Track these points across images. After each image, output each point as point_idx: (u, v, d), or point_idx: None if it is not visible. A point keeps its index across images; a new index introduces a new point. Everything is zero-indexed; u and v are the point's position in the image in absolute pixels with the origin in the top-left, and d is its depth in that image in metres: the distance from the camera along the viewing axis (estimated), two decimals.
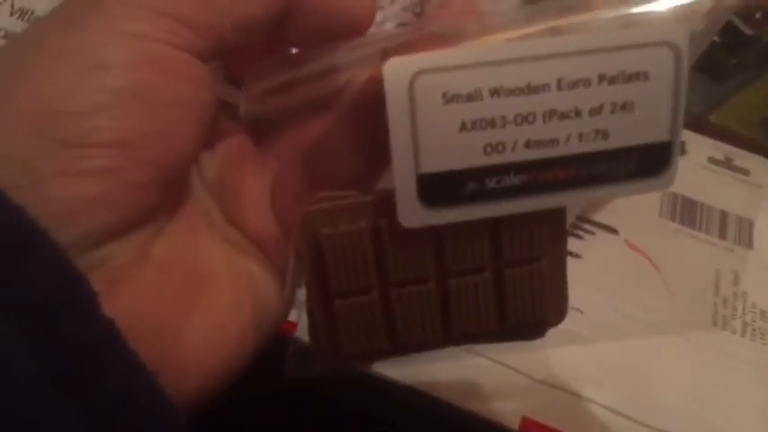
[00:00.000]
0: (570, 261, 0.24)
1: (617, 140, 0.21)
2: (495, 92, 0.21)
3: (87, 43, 0.19)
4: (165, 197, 0.21)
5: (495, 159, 0.21)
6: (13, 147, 0.18)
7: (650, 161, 0.22)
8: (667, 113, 0.21)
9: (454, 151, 0.21)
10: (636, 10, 0.23)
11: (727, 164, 0.44)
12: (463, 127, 0.21)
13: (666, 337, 0.38)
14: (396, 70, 0.20)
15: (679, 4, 0.23)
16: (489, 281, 0.23)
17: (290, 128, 0.25)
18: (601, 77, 0.21)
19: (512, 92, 0.21)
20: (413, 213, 0.21)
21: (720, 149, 0.45)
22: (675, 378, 0.37)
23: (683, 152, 0.41)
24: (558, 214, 0.23)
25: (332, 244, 0.22)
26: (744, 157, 0.45)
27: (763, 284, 0.40)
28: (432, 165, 0.21)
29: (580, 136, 0.21)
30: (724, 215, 0.43)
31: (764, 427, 0.36)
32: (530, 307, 0.24)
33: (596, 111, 0.21)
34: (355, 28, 0.23)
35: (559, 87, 0.21)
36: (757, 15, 0.49)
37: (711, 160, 0.45)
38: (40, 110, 0.19)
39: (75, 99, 0.19)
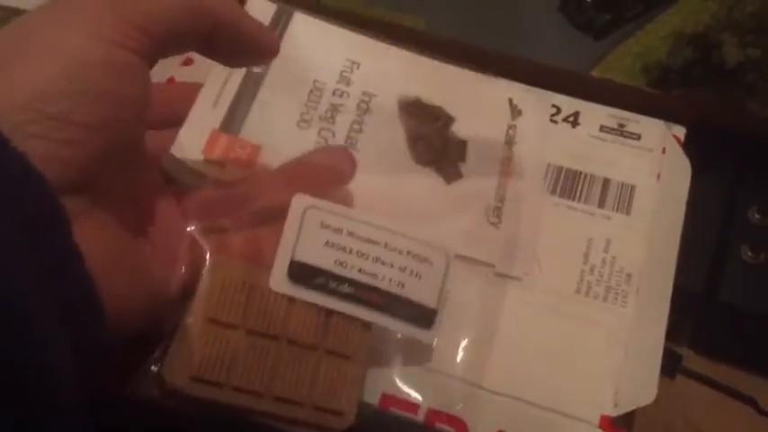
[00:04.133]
0: None
1: (408, 293, 0.35)
2: (350, 233, 0.35)
3: (71, 43, 0.26)
4: (103, 173, 0.28)
5: (340, 271, 0.35)
6: (7, 112, 0.24)
7: (423, 317, 0.35)
8: (437, 291, 0.36)
9: (317, 255, 0.35)
10: None
11: (620, 131, 0.44)
12: (326, 243, 0.35)
13: (530, 308, 0.39)
14: (299, 202, 0.35)
15: None
16: (312, 359, 0.34)
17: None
18: (408, 252, 0.36)
19: (359, 238, 0.35)
20: (280, 282, 0.34)
21: (614, 117, 0.45)
22: (533, 348, 0.38)
23: (575, 124, 0.44)
24: (367, 331, 0.35)
25: (223, 283, 0.33)
26: (637, 121, 0.45)
27: (633, 249, 0.41)
28: (301, 257, 0.34)
29: (390, 280, 0.35)
30: (606, 183, 0.43)
31: (615, 382, 0.37)
32: (331, 394, 0.34)
33: (402, 269, 0.35)
34: (262, 54, 0.34)
35: (386, 246, 0.35)
36: None
37: (603, 129, 0.45)
38: (32, 90, 0.25)
39: (59, 86, 0.25)
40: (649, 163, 0.43)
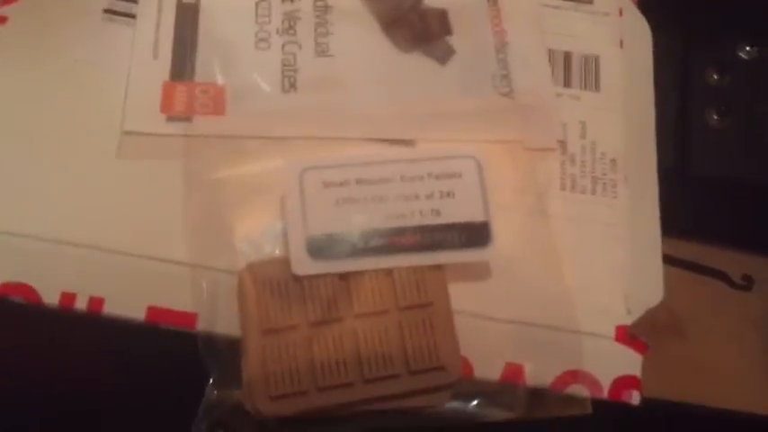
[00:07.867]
0: None
1: (447, 218, 0.30)
2: (359, 181, 0.30)
3: None
4: None
5: (362, 226, 0.29)
6: None
7: (476, 235, 0.30)
8: (480, 201, 0.30)
9: (331, 220, 0.29)
10: None
11: None
12: (336, 203, 0.29)
13: (513, 214, 0.33)
14: (292, 168, 0.30)
15: None
16: (389, 323, 0.29)
17: None
18: (429, 174, 0.31)
19: (371, 182, 0.30)
20: (304, 264, 0.28)
21: None
22: (528, 259, 0.33)
23: None
24: (438, 270, 0.30)
25: (258, 291, 0.28)
26: None
27: (612, 129, 0.36)
28: (315, 229, 0.29)
29: (420, 213, 0.30)
30: (567, 57, 0.38)
31: (623, 285, 0.33)
32: (424, 352, 0.28)
33: (429, 196, 0.30)
34: None
35: (402, 180, 0.30)
36: None
37: None
38: None
39: None
40: (609, 28, 0.39)
